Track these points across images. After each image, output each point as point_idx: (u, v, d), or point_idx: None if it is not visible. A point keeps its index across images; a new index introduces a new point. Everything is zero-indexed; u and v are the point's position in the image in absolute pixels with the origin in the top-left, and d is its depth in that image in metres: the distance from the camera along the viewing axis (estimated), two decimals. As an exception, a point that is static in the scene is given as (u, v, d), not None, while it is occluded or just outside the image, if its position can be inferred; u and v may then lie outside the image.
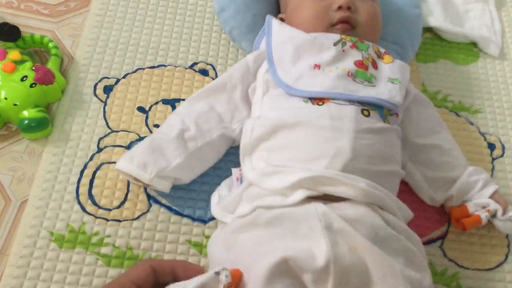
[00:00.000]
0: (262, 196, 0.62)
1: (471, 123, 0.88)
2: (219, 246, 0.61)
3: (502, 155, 0.85)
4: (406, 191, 0.76)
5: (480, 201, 0.72)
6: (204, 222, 0.73)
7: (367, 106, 0.67)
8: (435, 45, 0.97)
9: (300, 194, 0.60)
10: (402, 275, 0.55)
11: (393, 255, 0.57)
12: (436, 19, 0.97)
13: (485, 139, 0.86)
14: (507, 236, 0.77)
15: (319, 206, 0.58)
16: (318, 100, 0.67)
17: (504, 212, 0.72)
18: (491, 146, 0.86)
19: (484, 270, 0.74)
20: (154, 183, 0.69)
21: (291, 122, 0.65)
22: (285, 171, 0.62)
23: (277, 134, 0.66)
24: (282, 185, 0.61)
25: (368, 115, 0.66)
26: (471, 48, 0.98)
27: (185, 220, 0.73)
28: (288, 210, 0.59)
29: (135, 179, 0.69)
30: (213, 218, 0.72)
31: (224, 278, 0.47)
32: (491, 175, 0.83)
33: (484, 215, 0.71)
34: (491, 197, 0.72)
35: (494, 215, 0.71)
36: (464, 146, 0.83)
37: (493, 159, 0.85)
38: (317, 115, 0.65)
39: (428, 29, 0.98)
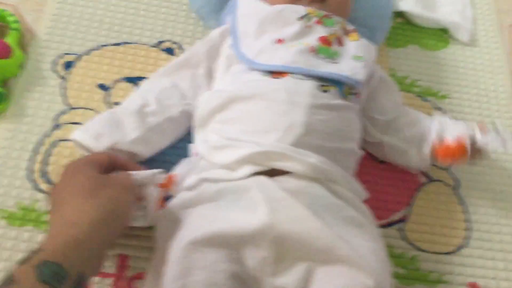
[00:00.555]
0: (210, 169, 0.62)
1: (438, 109, 0.88)
2: (166, 220, 0.61)
3: (467, 141, 0.85)
4: (366, 172, 0.76)
5: (456, 130, 0.71)
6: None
7: (327, 83, 0.66)
8: (406, 30, 0.97)
9: (247, 170, 0.60)
10: (348, 242, 0.55)
11: (339, 222, 0.57)
12: (407, 4, 0.96)
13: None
14: (468, 220, 0.77)
15: (261, 179, 0.59)
16: (277, 74, 0.66)
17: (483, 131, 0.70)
18: (457, 131, 0.85)
19: (444, 253, 0.74)
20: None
21: (247, 94, 0.64)
22: (234, 145, 0.61)
23: (232, 105, 0.65)
24: (230, 160, 0.61)
25: (326, 91, 0.65)
26: (441, 34, 0.97)
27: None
28: (232, 184, 0.59)
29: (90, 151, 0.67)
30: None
31: (160, 178, 0.61)
32: (455, 160, 0.83)
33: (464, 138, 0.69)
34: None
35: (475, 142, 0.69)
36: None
37: (458, 144, 0.84)
38: (273, 88, 0.64)
39: (399, 14, 0.97)
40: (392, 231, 0.74)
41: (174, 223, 0.60)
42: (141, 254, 0.67)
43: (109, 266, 0.66)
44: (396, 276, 0.71)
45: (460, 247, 0.75)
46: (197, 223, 0.57)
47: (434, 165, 0.78)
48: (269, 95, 0.63)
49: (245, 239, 0.54)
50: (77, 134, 0.66)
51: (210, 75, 0.75)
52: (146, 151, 0.71)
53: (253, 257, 0.55)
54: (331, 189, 0.60)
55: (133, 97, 0.72)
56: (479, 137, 0.69)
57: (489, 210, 0.79)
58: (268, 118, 0.62)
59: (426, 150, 0.73)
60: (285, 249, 0.54)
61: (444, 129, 0.73)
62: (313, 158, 0.60)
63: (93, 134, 0.65)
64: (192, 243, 0.54)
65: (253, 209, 0.56)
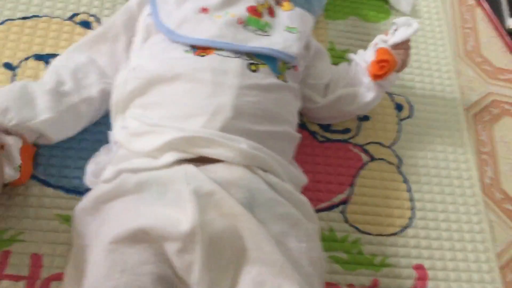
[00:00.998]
0: (129, 158, 0.55)
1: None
2: (83, 214, 0.54)
3: (409, 116, 0.81)
4: (306, 153, 0.72)
5: (371, 51, 0.71)
6: (81, 194, 0.63)
7: (256, 60, 0.60)
8: (345, 1, 0.91)
9: (170, 157, 0.53)
10: (280, 243, 0.49)
11: (274, 220, 0.51)
12: (346, -27, 0.91)
13: (392, 100, 0.82)
14: (411, 200, 0.73)
15: (189, 168, 0.52)
16: (201, 50, 0.59)
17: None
18: (399, 107, 0.82)
19: (387, 235, 0.70)
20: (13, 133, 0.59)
21: (168, 75, 0.57)
22: (155, 131, 0.55)
23: (152, 88, 0.58)
24: (151, 147, 0.54)
25: (256, 70, 0.59)
26: (382, 5, 0.93)
27: (57, 192, 0.63)
28: (156, 174, 0.52)
29: None
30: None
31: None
32: (398, 137, 0.79)
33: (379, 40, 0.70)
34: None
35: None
36: (371, 106, 0.80)
37: (400, 120, 0.81)
38: (197, 67, 0.57)
39: (338, -17, 0.92)
40: (334, 214, 0.70)
41: (93, 218, 0.53)
42: (56, 251, 0.60)
43: (21, 267, 0.59)
44: (339, 261, 0.67)
45: (404, 228, 0.71)
46: (119, 219, 0.50)
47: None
48: (193, 75, 0.57)
49: (171, 239, 0.48)
50: None
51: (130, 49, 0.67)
52: (57, 133, 0.63)
53: (179, 261, 0.48)
54: (266, 180, 0.54)
55: (47, 74, 0.65)
56: (387, 37, 0.70)
57: (434, 188, 0.75)
58: (192, 101, 0.56)
59: (366, 79, 0.71)
60: (214, 252, 0.48)
61: (363, 57, 0.72)
62: (243, 144, 0.54)
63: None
64: (114, 242, 0.48)
65: (181, 205, 0.49)
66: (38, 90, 0.61)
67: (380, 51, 0.69)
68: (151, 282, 0.47)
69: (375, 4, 0.92)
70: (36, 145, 0.64)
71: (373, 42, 0.72)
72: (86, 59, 0.66)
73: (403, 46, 0.69)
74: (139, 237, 0.48)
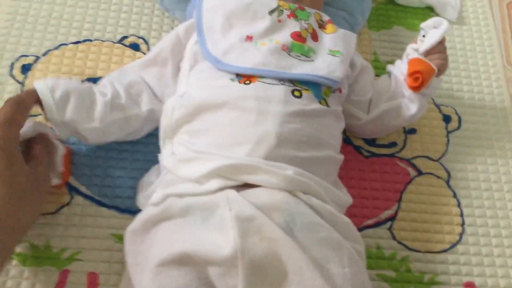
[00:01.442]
0: (176, 183, 0.57)
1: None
2: (134, 236, 0.56)
3: (458, 128, 0.80)
4: (351, 168, 0.72)
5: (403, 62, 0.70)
6: (133, 213, 0.66)
7: (300, 86, 0.60)
8: (389, 10, 0.90)
9: (214, 183, 0.54)
10: (322, 267, 0.50)
11: (315, 245, 0.51)
12: (390, -18, 0.90)
13: (440, 111, 0.81)
14: (461, 215, 0.72)
15: (231, 194, 0.53)
16: (245, 78, 0.60)
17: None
18: (447, 118, 0.80)
19: (437, 252, 0.69)
20: (55, 124, 0.61)
21: (215, 103, 0.58)
22: (202, 158, 0.56)
23: (200, 116, 0.59)
24: (197, 174, 0.55)
25: (300, 96, 0.60)
26: (427, 13, 0.91)
27: (111, 212, 0.66)
28: (200, 199, 0.54)
29: (41, 106, 0.60)
30: (143, 209, 0.66)
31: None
32: (446, 149, 0.77)
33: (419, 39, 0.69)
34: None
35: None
36: (417, 119, 0.78)
37: (449, 132, 0.79)
38: (242, 96, 0.58)
39: (381, -7, 0.91)
40: (381, 231, 0.69)
41: (142, 239, 0.55)
42: (112, 269, 0.63)
43: (79, 285, 0.61)
44: (387, 279, 0.66)
45: (454, 244, 0.70)
46: (165, 242, 0.52)
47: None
48: (238, 103, 0.58)
49: (214, 264, 0.49)
50: (40, 84, 0.60)
51: (178, 74, 0.69)
52: (96, 139, 0.65)
53: (222, 284, 0.49)
54: (308, 203, 0.55)
55: (102, 85, 0.67)
56: (417, 46, 0.68)
57: (484, 202, 0.74)
58: (237, 129, 0.57)
59: (407, 92, 0.69)
60: (256, 277, 0.49)
61: (400, 69, 0.71)
62: (289, 170, 0.54)
63: (59, 97, 0.60)
64: (161, 265, 0.50)
65: (223, 230, 0.51)
66: (100, 97, 0.63)
67: (412, 62, 0.68)
68: None
69: (420, 12, 0.91)
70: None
71: (406, 52, 0.70)
72: (138, 78, 0.68)
73: (437, 49, 0.68)
74: (184, 261, 0.50)
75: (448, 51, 0.86)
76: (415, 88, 0.68)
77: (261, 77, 0.60)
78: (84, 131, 0.62)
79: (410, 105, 0.70)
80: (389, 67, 0.73)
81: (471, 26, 0.91)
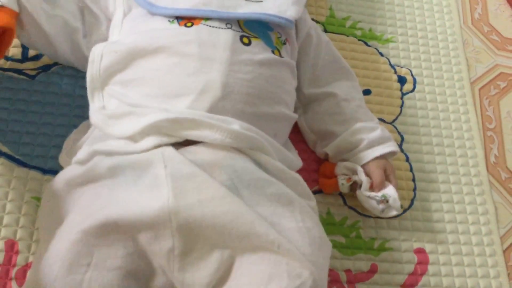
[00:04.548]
0: (105, 139, 0.50)
1: (381, 54, 0.78)
2: (52, 197, 0.50)
3: (412, 90, 0.77)
4: (300, 136, 0.67)
5: (350, 165, 0.61)
6: (58, 174, 0.59)
7: (249, 33, 0.54)
8: (346, -36, 0.85)
9: (151, 141, 0.48)
10: (274, 224, 0.45)
11: (264, 202, 0.47)
12: None
13: (395, 72, 0.77)
14: (413, 179, 0.69)
15: (166, 150, 0.47)
16: (186, 20, 0.53)
17: (372, 188, 0.60)
18: (402, 80, 0.77)
19: (387, 218, 0.66)
20: None
21: (150, 47, 0.52)
22: (136, 112, 0.49)
23: (133, 63, 0.52)
24: (131, 131, 0.48)
25: (249, 43, 0.53)
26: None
27: (32, 172, 0.58)
28: (131, 157, 0.47)
29: None
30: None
31: None
32: (400, 112, 0.74)
33: (341, 182, 0.62)
34: (368, 163, 0.61)
35: (360, 186, 0.61)
36: (372, 79, 0.75)
37: (403, 94, 0.76)
38: (182, 40, 0.52)
39: None
40: (332, 196, 0.66)
41: (62, 202, 0.48)
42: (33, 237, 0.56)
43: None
44: (337, 245, 0.63)
45: (405, 210, 0.67)
46: (89, 207, 0.46)
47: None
48: (178, 48, 0.51)
49: (143, 228, 0.44)
50: None
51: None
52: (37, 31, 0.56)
53: (155, 250, 0.44)
54: (254, 158, 0.50)
55: None
56: (364, 188, 0.60)
57: (437, 167, 0.71)
58: (177, 78, 0.50)
59: (319, 152, 0.65)
60: (195, 238, 0.44)
61: (346, 150, 0.62)
62: (235, 125, 0.49)
63: None
64: (82, 232, 0.44)
65: (157, 190, 0.45)
66: None
67: (332, 185, 0.63)
68: (119, 278, 0.43)
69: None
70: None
71: (353, 168, 0.61)
72: None
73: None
74: (109, 228, 0.44)
75: (406, 11, 0.83)
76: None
77: (205, 19, 0.53)
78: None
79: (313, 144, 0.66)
80: (347, 135, 0.62)
81: (429, -15, 0.87)
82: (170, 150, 0.47)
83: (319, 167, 0.65)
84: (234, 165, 0.48)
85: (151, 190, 0.45)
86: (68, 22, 0.57)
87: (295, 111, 0.61)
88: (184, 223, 0.44)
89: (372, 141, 0.61)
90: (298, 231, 0.46)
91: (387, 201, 0.59)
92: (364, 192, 0.60)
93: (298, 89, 0.62)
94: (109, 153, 0.48)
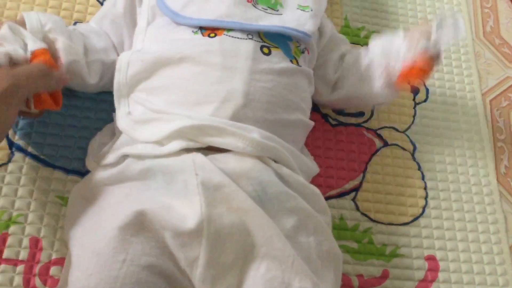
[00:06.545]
0: (133, 143, 0.52)
1: (395, 64, 0.80)
2: (79, 197, 0.51)
3: (425, 100, 0.78)
4: (317, 137, 0.69)
5: (403, 48, 0.60)
6: (82, 175, 0.60)
7: (269, 43, 0.56)
8: (361, -26, 0.87)
9: (176, 144, 0.49)
10: (291, 238, 0.47)
11: (285, 215, 0.49)
12: None
13: (408, 82, 0.78)
14: (425, 188, 0.71)
15: (198, 157, 0.49)
16: (209, 30, 0.55)
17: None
18: (414, 90, 0.78)
19: (399, 224, 0.67)
20: None
21: (175, 57, 0.53)
22: (162, 118, 0.51)
23: (159, 71, 0.54)
24: (157, 136, 0.50)
25: (269, 53, 0.55)
26: (401, -20, 0.88)
27: (57, 172, 0.60)
28: (162, 162, 0.49)
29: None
30: (92, 170, 0.60)
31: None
32: (413, 121, 0.76)
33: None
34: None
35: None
36: (386, 89, 0.76)
37: (416, 104, 0.77)
38: (206, 50, 0.53)
39: (355, -44, 0.87)
40: (345, 201, 0.67)
41: (94, 201, 0.50)
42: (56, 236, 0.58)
43: (19, 251, 0.56)
44: (349, 251, 0.64)
45: (416, 217, 0.69)
46: (121, 204, 0.47)
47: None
48: (202, 58, 0.53)
49: (176, 234, 0.45)
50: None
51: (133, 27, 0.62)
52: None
53: (184, 255, 0.45)
54: (278, 172, 0.51)
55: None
56: (429, 44, 0.58)
57: (448, 176, 0.73)
58: (201, 87, 0.52)
59: (378, 82, 0.63)
60: (220, 248, 0.46)
61: (390, 54, 0.62)
62: (255, 133, 0.50)
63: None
64: (117, 228, 0.45)
65: (188, 197, 0.46)
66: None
67: (423, 59, 0.58)
68: (152, 275, 0.44)
69: (394, -21, 0.88)
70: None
71: (415, 38, 0.59)
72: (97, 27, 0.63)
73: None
74: (143, 225, 0.45)
75: (420, 21, 0.85)
76: (399, 85, 0.62)
77: (227, 30, 0.55)
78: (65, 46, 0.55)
79: (378, 97, 0.65)
80: (372, 46, 0.65)
81: (442, -2, 0.89)
82: (201, 157, 0.49)
83: (401, 75, 0.61)
84: (259, 177, 0.49)
85: (184, 197, 0.46)
86: (105, 61, 0.59)
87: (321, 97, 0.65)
88: (214, 231, 0.45)
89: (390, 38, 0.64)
90: (308, 245, 0.49)
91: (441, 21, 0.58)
92: (431, 43, 0.58)
93: (327, 80, 0.65)
94: (139, 156, 0.50)
